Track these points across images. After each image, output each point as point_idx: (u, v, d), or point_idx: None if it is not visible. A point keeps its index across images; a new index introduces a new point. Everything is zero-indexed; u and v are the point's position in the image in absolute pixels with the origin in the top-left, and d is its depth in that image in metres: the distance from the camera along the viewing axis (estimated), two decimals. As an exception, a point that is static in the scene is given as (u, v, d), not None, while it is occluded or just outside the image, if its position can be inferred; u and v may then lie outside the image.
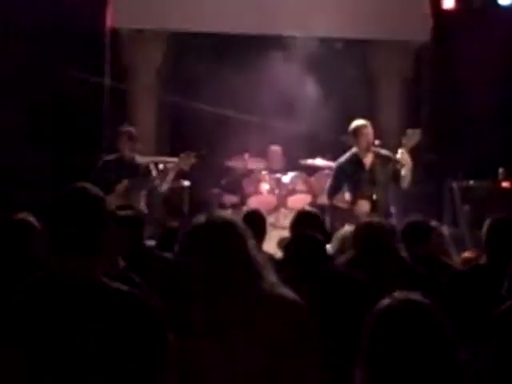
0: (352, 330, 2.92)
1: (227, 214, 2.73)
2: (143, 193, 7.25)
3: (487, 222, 4.10)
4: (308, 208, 6.47)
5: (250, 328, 2.38)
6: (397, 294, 2.15)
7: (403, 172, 6.90)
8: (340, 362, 2.98)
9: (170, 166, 7.72)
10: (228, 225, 2.49)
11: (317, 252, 4.00)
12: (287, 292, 2.51)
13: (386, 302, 2.14)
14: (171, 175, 7.31)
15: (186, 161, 7.27)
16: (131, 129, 7.46)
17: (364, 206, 6.98)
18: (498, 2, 9.32)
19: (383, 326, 2.09)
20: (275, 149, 9.29)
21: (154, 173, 7.34)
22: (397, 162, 6.88)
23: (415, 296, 2.14)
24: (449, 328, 2.10)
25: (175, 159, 7.57)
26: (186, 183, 8.82)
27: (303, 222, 5.14)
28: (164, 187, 7.32)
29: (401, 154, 6.86)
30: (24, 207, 4.18)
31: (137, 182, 7.16)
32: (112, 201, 6.55)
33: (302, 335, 2.43)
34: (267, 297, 2.45)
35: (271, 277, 2.51)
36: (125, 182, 7.08)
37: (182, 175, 8.24)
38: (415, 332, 2.05)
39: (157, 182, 7.28)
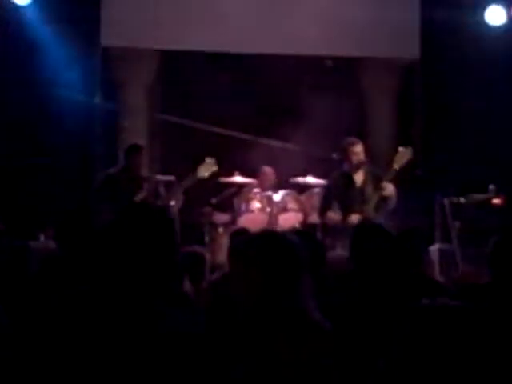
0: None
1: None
2: None
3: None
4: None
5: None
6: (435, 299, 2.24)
7: (388, 195, 6.98)
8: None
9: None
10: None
11: None
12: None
13: (426, 302, 2.21)
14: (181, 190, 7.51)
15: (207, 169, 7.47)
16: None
17: (356, 220, 6.98)
18: (487, 21, 9.37)
19: (424, 325, 2.15)
20: (268, 169, 9.23)
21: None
22: (384, 196, 6.96)
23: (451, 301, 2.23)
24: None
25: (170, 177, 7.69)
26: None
27: None
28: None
29: (386, 186, 6.93)
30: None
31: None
32: None
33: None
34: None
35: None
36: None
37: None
38: (453, 334, 2.12)
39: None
